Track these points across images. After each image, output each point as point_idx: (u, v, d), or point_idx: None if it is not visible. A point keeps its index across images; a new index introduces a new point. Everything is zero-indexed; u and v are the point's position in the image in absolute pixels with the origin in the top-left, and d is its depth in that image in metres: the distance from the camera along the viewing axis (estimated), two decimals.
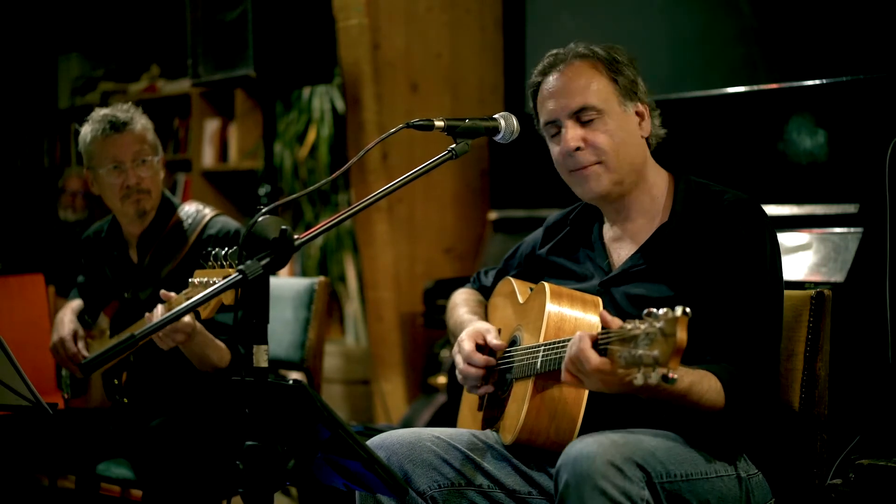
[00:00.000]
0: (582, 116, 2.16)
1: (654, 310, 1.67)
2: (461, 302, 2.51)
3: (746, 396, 1.98)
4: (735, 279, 2.04)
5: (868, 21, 3.39)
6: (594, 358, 1.79)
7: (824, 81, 3.23)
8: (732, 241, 2.06)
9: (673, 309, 1.64)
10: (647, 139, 2.22)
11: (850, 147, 3.15)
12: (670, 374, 1.62)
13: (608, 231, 2.27)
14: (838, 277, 2.99)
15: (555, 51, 2.25)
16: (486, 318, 2.45)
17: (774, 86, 3.40)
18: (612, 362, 1.76)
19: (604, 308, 2.08)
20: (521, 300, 2.29)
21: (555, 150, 2.20)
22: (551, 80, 2.20)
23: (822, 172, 3.21)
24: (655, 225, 2.18)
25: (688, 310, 1.63)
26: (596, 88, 2.16)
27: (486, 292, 2.55)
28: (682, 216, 2.15)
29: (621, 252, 2.22)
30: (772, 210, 3.23)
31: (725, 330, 2.01)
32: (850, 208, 3.06)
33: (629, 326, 1.72)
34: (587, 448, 1.85)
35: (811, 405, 2.15)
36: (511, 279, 2.40)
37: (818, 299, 2.16)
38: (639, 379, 1.66)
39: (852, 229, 3.04)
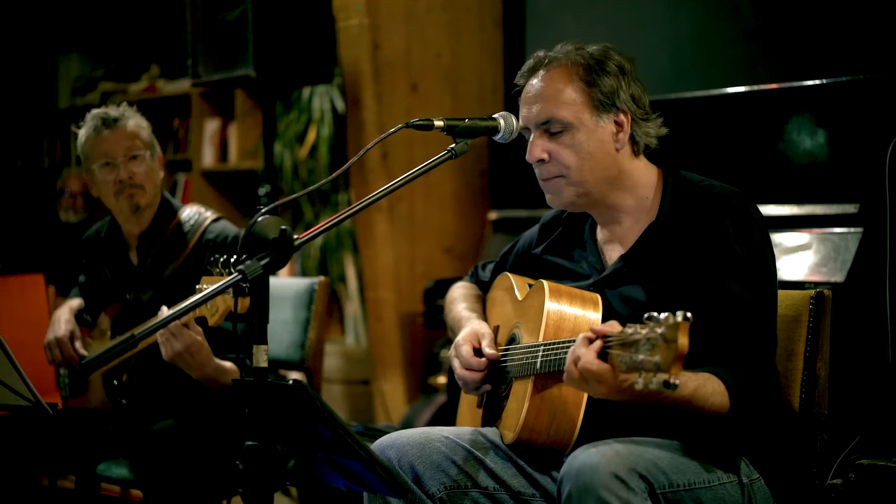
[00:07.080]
0: (549, 128, 2.11)
1: (655, 314, 1.66)
2: (459, 297, 2.49)
3: (751, 399, 1.95)
4: (726, 279, 2.00)
5: (868, 21, 3.39)
6: (595, 363, 1.77)
7: (824, 81, 3.23)
8: (721, 238, 2.02)
9: (674, 314, 1.63)
10: (634, 142, 2.13)
11: (850, 147, 3.15)
12: (672, 380, 1.61)
13: (599, 232, 2.23)
14: (838, 277, 2.99)
15: (540, 52, 2.18)
16: (484, 313, 2.44)
17: (774, 86, 3.40)
18: (613, 367, 1.74)
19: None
20: (519, 297, 2.27)
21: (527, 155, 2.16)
22: (528, 85, 2.16)
23: (822, 172, 3.20)
24: (644, 224, 2.13)
25: (689, 315, 1.62)
26: (567, 100, 2.09)
27: (483, 286, 2.52)
28: (671, 214, 2.10)
29: (613, 253, 2.18)
30: (772, 210, 3.23)
31: (721, 332, 1.98)
32: (850, 208, 3.06)
33: (630, 331, 1.71)
34: (590, 459, 1.84)
35: (811, 405, 2.14)
36: (509, 274, 2.37)
37: (818, 299, 2.16)
38: (640, 384, 1.65)
39: (852, 229, 3.04)
